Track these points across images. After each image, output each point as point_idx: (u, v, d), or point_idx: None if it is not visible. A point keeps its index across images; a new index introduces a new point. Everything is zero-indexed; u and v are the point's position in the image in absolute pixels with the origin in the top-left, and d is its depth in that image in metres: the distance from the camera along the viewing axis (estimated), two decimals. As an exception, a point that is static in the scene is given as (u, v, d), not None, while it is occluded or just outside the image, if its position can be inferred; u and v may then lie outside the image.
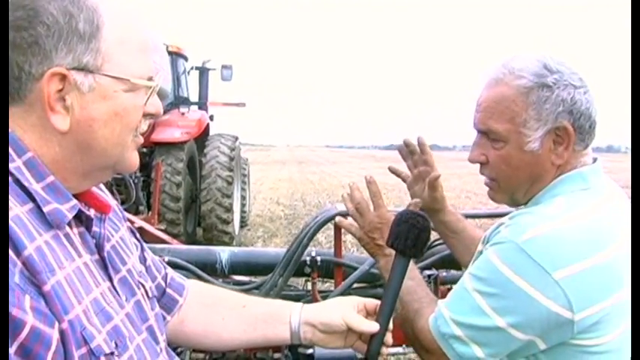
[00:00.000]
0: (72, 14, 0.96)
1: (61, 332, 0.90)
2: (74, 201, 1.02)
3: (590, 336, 1.31)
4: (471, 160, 1.52)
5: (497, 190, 1.52)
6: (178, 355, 2.41)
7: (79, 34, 0.97)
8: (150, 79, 1.07)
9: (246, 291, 2.76)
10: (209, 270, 2.88)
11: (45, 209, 0.96)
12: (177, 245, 3.59)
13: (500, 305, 1.32)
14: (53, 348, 0.87)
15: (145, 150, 8.71)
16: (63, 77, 0.96)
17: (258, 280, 2.87)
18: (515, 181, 1.46)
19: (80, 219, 1.05)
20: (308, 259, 2.76)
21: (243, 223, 11.45)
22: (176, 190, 8.53)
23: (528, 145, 1.40)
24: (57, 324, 0.89)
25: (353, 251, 9.32)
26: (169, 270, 1.44)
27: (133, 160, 1.10)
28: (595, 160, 1.47)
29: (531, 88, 1.38)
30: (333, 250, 2.83)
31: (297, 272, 2.76)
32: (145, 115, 1.09)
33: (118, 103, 1.02)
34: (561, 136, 1.40)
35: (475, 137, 1.51)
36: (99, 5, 0.99)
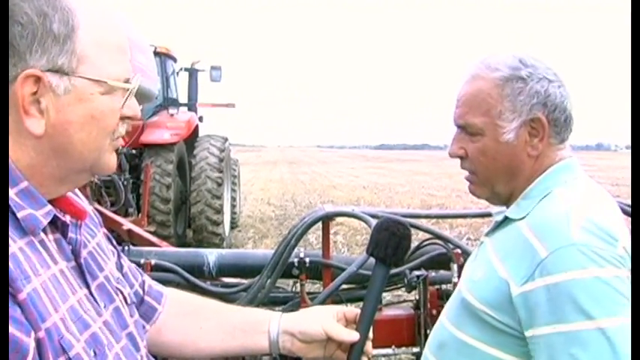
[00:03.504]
0: (46, 14, 0.94)
1: (38, 341, 0.88)
2: (49, 207, 1.00)
3: None
4: (451, 154, 1.54)
5: (477, 184, 1.54)
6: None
7: (53, 35, 0.95)
8: (127, 81, 1.05)
9: (234, 293, 2.74)
10: (197, 272, 2.86)
11: (19, 215, 0.94)
12: (164, 248, 3.56)
13: (614, 306, 1.21)
14: (30, 357, 0.85)
15: (134, 152, 8.71)
16: (37, 79, 0.94)
17: (246, 282, 2.85)
18: (493, 173, 1.48)
19: (56, 225, 1.03)
20: (296, 260, 2.74)
21: (233, 225, 11.44)
22: (166, 191, 8.50)
23: (504, 136, 1.44)
24: (33, 333, 0.87)
25: (344, 252, 9.32)
26: (147, 278, 1.42)
27: (111, 163, 1.08)
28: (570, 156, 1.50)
29: (506, 80, 1.43)
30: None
31: (286, 274, 2.75)
32: (123, 118, 1.07)
33: (95, 105, 1.00)
34: (536, 128, 1.43)
35: (455, 133, 1.54)
36: (74, 6, 0.97)
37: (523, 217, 1.42)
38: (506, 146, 1.44)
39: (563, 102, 1.44)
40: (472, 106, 1.46)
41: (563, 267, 1.24)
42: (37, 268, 0.93)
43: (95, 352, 0.97)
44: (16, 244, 0.91)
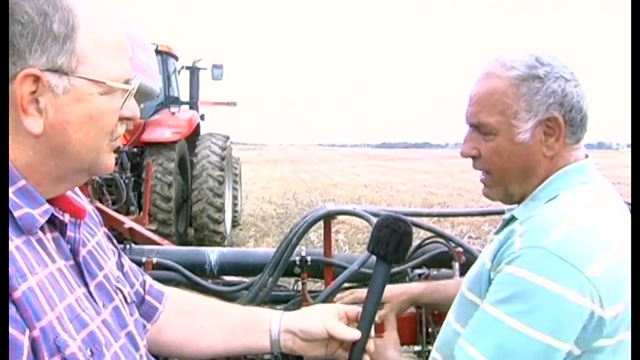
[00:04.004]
0: (47, 14, 0.94)
1: (32, 340, 0.88)
2: (46, 205, 1.00)
3: (613, 335, 1.26)
4: (463, 154, 1.51)
5: (492, 185, 1.50)
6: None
7: (53, 35, 0.94)
8: (126, 81, 1.04)
9: (236, 292, 2.74)
10: (198, 271, 2.86)
11: (16, 214, 0.94)
12: (165, 246, 3.56)
13: (540, 319, 1.23)
14: (24, 355, 0.85)
15: (135, 150, 8.71)
16: (36, 79, 0.94)
17: (247, 280, 2.84)
18: (508, 173, 1.45)
19: (54, 224, 1.03)
20: (298, 259, 2.74)
21: (235, 223, 11.44)
22: (167, 190, 8.49)
23: (519, 136, 1.40)
24: (28, 331, 0.87)
25: (345, 250, 9.31)
26: (147, 277, 1.42)
27: (109, 163, 1.08)
28: (586, 156, 1.47)
29: (522, 79, 1.38)
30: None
31: (287, 272, 2.74)
32: (122, 119, 1.06)
33: (93, 106, 0.99)
34: (552, 127, 1.40)
35: (467, 132, 1.51)
36: (75, 6, 0.97)
37: (527, 219, 1.39)
38: (522, 146, 1.40)
39: (580, 102, 1.40)
40: (486, 105, 1.42)
41: (523, 263, 1.26)
42: (34, 267, 0.93)
43: (92, 352, 0.97)
44: (12, 243, 0.91)
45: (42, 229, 0.99)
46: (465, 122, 1.50)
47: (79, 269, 1.06)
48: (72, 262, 1.05)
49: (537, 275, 1.23)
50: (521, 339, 1.23)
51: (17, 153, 0.96)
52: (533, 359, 1.23)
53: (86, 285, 1.06)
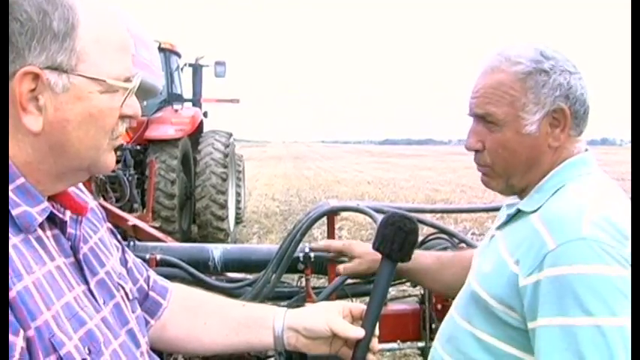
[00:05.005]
0: (46, 12, 0.94)
1: (27, 340, 0.87)
2: (45, 203, 0.99)
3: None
4: (468, 147, 1.51)
5: (493, 176, 1.50)
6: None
7: (53, 33, 0.94)
8: (127, 79, 1.04)
9: (239, 288, 2.74)
10: (202, 267, 2.86)
11: (13, 212, 0.94)
12: (169, 243, 3.56)
13: (615, 306, 1.20)
14: (17, 356, 0.85)
15: (138, 147, 8.70)
16: (36, 76, 0.94)
17: (251, 277, 2.84)
18: (512, 165, 1.46)
19: (54, 221, 1.03)
20: (301, 255, 2.74)
21: (238, 220, 11.44)
22: (170, 187, 8.50)
23: (526, 128, 1.41)
24: (22, 332, 0.87)
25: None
26: (152, 273, 1.41)
27: (109, 162, 1.07)
28: (586, 150, 1.49)
29: (529, 73, 1.40)
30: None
31: (291, 269, 2.74)
32: (122, 117, 1.06)
33: (93, 104, 0.99)
34: (558, 118, 1.41)
35: (471, 125, 1.50)
36: (75, 3, 0.97)
37: (535, 210, 1.40)
38: (528, 138, 1.42)
39: (583, 94, 1.42)
40: (494, 96, 1.43)
41: (570, 260, 1.23)
42: (31, 266, 0.93)
43: (90, 350, 0.97)
44: (10, 242, 0.90)
45: (42, 226, 0.99)
46: (469, 113, 1.50)
47: (80, 267, 1.06)
48: (72, 259, 1.05)
49: (589, 265, 1.22)
50: (609, 333, 1.19)
51: (16, 151, 0.96)
52: (627, 344, 1.19)
53: (86, 282, 1.06)
